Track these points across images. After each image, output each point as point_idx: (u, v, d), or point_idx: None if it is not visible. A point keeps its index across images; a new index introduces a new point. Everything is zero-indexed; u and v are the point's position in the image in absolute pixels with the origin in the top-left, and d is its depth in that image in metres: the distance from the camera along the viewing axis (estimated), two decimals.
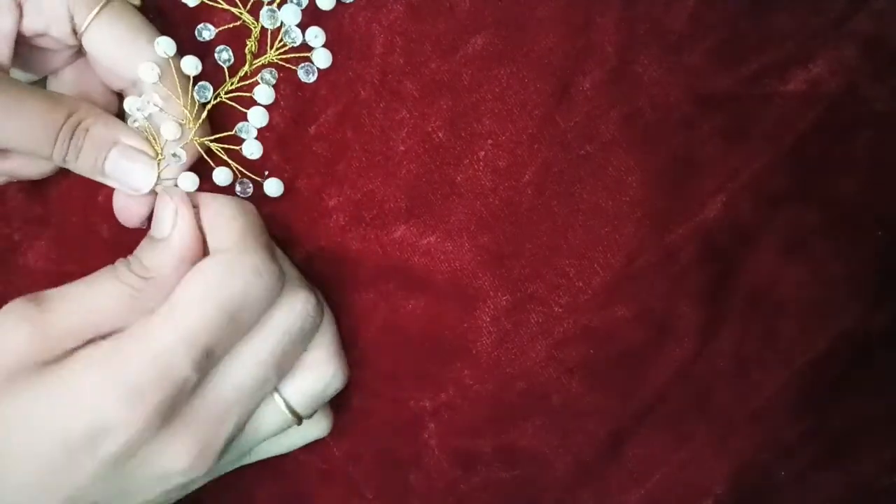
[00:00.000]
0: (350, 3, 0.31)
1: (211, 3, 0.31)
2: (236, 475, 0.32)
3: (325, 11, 0.31)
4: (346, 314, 0.34)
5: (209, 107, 0.31)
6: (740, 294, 0.34)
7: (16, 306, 0.27)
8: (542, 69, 0.32)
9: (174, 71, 0.30)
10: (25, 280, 0.34)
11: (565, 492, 0.35)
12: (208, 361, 0.27)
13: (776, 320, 0.34)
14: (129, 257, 0.29)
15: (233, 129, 0.31)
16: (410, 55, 0.32)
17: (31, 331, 0.26)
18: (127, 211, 0.31)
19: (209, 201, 0.30)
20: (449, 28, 0.31)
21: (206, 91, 0.31)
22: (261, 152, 0.32)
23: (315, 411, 0.31)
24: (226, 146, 0.31)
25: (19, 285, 0.34)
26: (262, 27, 0.31)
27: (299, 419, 0.30)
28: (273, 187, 0.32)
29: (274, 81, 0.31)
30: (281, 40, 0.31)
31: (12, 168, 0.30)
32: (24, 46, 0.29)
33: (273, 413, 0.30)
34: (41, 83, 0.32)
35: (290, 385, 0.30)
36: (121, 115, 0.31)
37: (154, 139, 0.30)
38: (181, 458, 0.27)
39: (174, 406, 0.26)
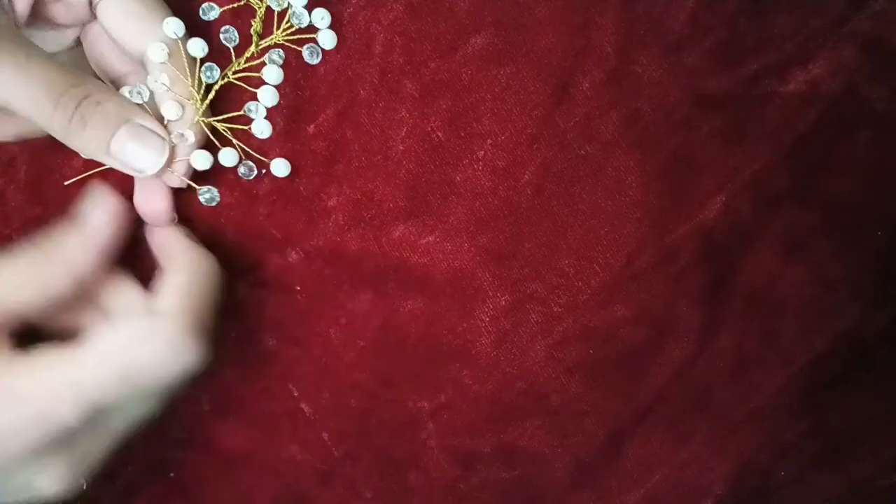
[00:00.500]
0: (350, 3, 0.31)
1: None
2: (236, 477, 0.32)
3: None
4: (345, 315, 0.34)
5: (216, 87, 0.31)
6: (740, 294, 0.34)
7: None
8: (541, 69, 0.32)
9: (183, 52, 0.30)
10: None
11: (565, 492, 0.35)
12: (97, 414, 0.26)
13: (776, 320, 0.34)
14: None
15: (237, 110, 0.31)
16: (410, 55, 0.31)
17: None
18: (148, 206, 0.31)
19: (171, 245, 0.29)
20: (448, 28, 0.31)
21: (214, 72, 0.31)
22: (270, 131, 0.32)
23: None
24: (232, 126, 0.31)
25: None
26: (268, 7, 0.31)
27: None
28: (280, 167, 0.32)
29: (281, 62, 0.31)
30: (288, 21, 0.31)
31: (20, 130, 0.30)
32: (37, 19, 0.29)
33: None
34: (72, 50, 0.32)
35: None
36: None
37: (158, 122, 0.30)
38: (53, 484, 0.27)
39: (52, 444, 0.26)
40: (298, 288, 0.33)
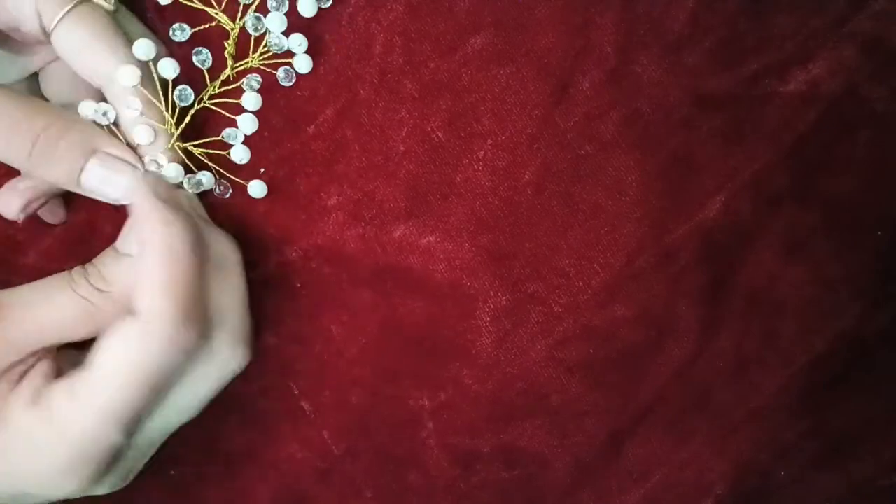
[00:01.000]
0: (349, 3, 0.31)
1: (185, 2, 0.30)
2: (236, 475, 0.32)
3: (318, 11, 0.31)
4: (345, 313, 0.34)
5: (192, 112, 0.30)
6: (740, 294, 0.34)
7: None
8: (541, 69, 0.32)
9: (154, 75, 0.29)
10: (27, 280, 0.34)
11: (565, 492, 0.35)
12: (135, 424, 0.27)
13: (776, 320, 0.34)
14: (87, 266, 0.28)
15: (212, 133, 0.31)
16: (410, 55, 0.32)
17: None
18: (4, 203, 0.30)
19: (144, 231, 0.28)
20: (448, 28, 0.31)
21: (188, 94, 0.30)
22: (248, 157, 0.32)
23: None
24: (209, 151, 0.31)
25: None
26: (242, 28, 0.30)
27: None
28: (257, 189, 0.32)
29: (258, 87, 0.31)
30: (265, 46, 0.30)
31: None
32: (8, 38, 0.29)
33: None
34: (35, 77, 0.32)
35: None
36: None
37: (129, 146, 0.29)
38: (102, 489, 0.28)
39: (108, 467, 0.27)
40: (299, 286, 0.33)
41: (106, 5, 0.29)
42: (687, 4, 0.31)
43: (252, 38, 0.30)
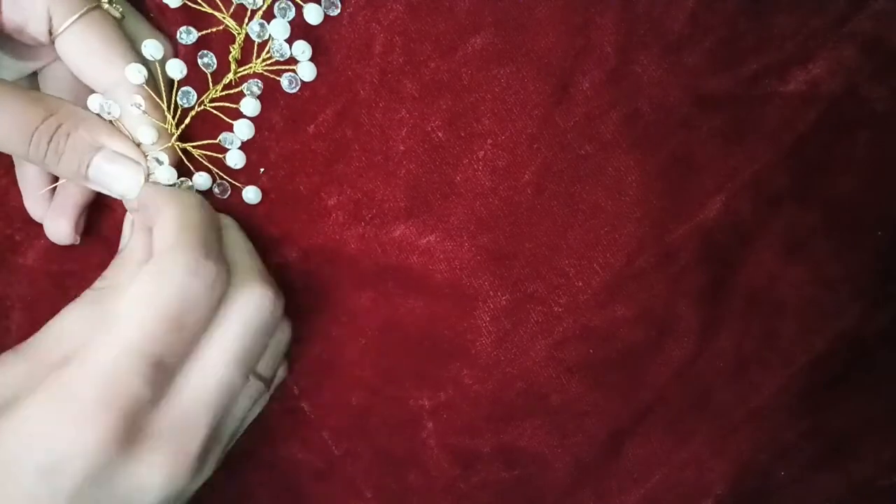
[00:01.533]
0: (349, 3, 0.31)
1: (192, 5, 0.30)
2: (236, 475, 0.32)
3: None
4: (345, 313, 0.34)
5: (193, 113, 0.31)
6: (740, 294, 0.34)
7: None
8: (541, 69, 0.32)
9: (160, 75, 0.29)
10: (26, 280, 0.34)
11: (565, 492, 0.35)
12: (161, 373, 0.26)
13: (776, 320, 0.34)
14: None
15: (215, 135, 0.31)
16: (410, 55, 0.32)
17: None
18: (55, 228, 0.31)
19: (149, 197, 0.29)
20: (448, 28, 0.31)
21: (191, 96, 0.30)
22: (244, 162, 0.32)
23: (278, 368, 0.31)
24: (207, 153, 0.31)
25: (20, 285, 0.34)
26: (246, 33, 0.30)
27: (268, 383, 0.30)
28: (251, 195, 0.32)
29: (259, 93, 0.31)
30: (268, 52, 0.30)
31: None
32: (8, 39, 0.29)
33: (245, 394, 0.29)
34: (33, 77, 0.32)
35: None
36: None
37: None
38: (154, 475, 0.25)
39: (133, 425, 0.25)
40: (299, 286, 0.33)
41: (114, 13, 0.29)
42: (687, 4, 0.31)
43: (255, 43, 0.30)
